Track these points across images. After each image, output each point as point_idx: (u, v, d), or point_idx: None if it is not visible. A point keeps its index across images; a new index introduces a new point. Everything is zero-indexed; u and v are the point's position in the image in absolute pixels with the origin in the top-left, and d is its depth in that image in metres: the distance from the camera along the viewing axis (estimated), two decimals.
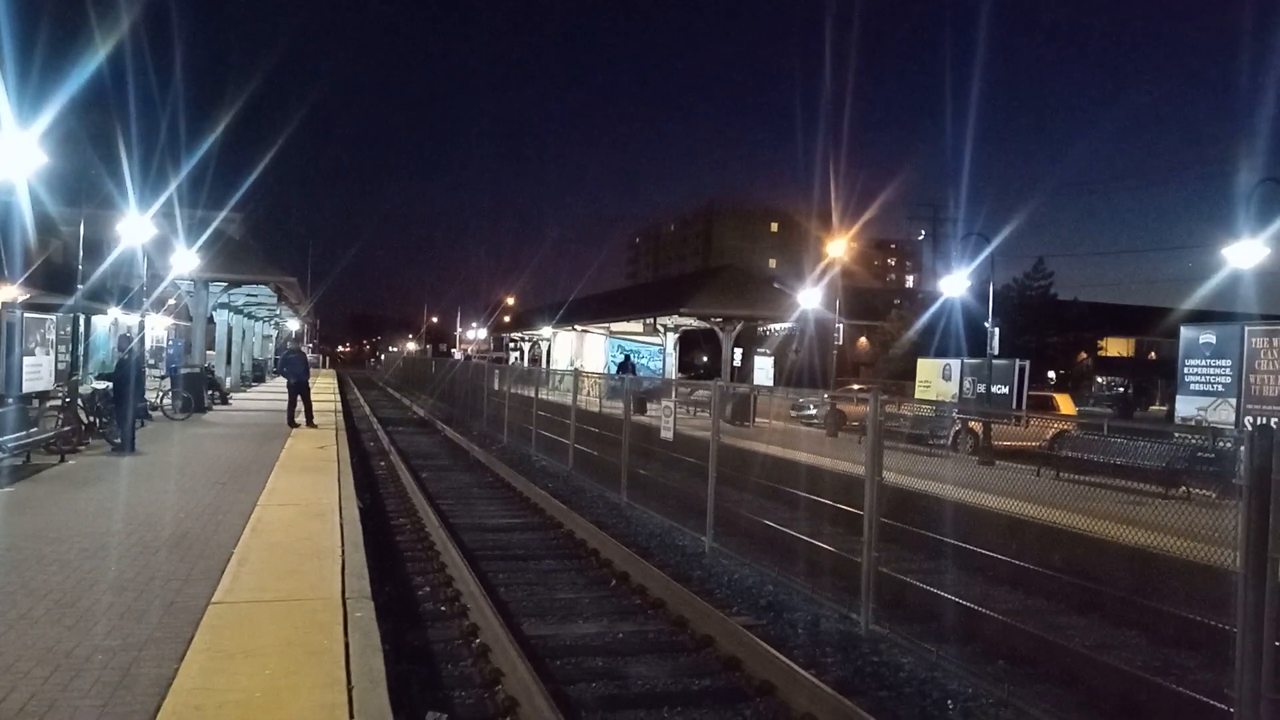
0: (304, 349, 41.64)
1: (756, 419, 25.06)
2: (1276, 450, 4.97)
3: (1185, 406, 15.43)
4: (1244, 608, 4.97)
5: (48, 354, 15.27)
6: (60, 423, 13.97)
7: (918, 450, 16.05)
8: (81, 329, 21.67)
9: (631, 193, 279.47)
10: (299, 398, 20.15)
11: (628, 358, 36.78)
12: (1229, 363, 14.59)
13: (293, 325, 63.87)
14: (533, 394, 23.75)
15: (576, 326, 43.83)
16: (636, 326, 38.07)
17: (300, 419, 19.92)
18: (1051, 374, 54.40)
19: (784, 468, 16.22)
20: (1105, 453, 14.30)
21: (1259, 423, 12.97)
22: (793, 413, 26.80)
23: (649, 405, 20.75)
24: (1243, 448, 5.20)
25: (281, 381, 23.63)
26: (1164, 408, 48.13)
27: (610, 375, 29.91)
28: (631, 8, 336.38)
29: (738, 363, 31.71)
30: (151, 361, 29.27)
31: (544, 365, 47.64)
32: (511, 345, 65.09)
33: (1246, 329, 14.25)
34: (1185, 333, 15.77)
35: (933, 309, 39.35)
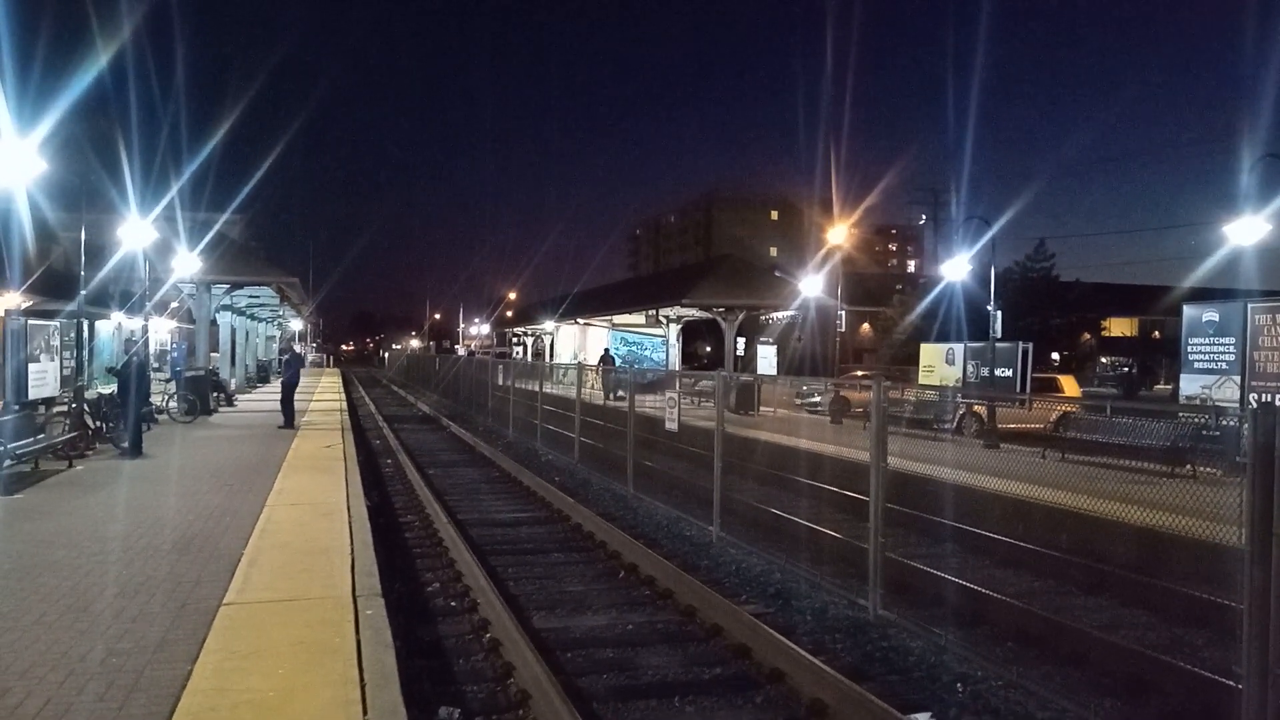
0: (296, 349, 41.72)
1: (761, 408, 25.09)
2: None
3: (1189, 385, 15.42)
4: (1250, 584, 4.99)
5: (52, 360, 15.30)
6: (67, 428, 14.03)
7: (922, 435, 16.06)
8: (85, 334, 21.69)
9: (632, 184, 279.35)
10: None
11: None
12: (1232, 340, 14.58)
13: (295, 325, 63.95)
14: (537, 388, 23.77)
15: (579, 320, 43.82)
16: (639, 318, 38.05)
17: (300, 420, 19.92)
18: (1055, 355, 54.42)
19: (789, 456, 16.25)
20: (1110, 433, 14.31)
21: (1263, 400, 13.04)
22: (797, 400, 26.86)
23: (646, 396, 20.75)
24: (1246, 425, 5.22)
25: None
26: (1168, 386, 48.08)
27: (609, 368, 29.94)
28: None
29: (741, 352, 31.68)
30: (156, 365, 29.33)
31: (547, 359, 47.71)
32: (514, 340, 65.08)
33: (1249, 306, 14.24)
34: (1188, 311, 15.75)
35: (934, 293, 39.35)
